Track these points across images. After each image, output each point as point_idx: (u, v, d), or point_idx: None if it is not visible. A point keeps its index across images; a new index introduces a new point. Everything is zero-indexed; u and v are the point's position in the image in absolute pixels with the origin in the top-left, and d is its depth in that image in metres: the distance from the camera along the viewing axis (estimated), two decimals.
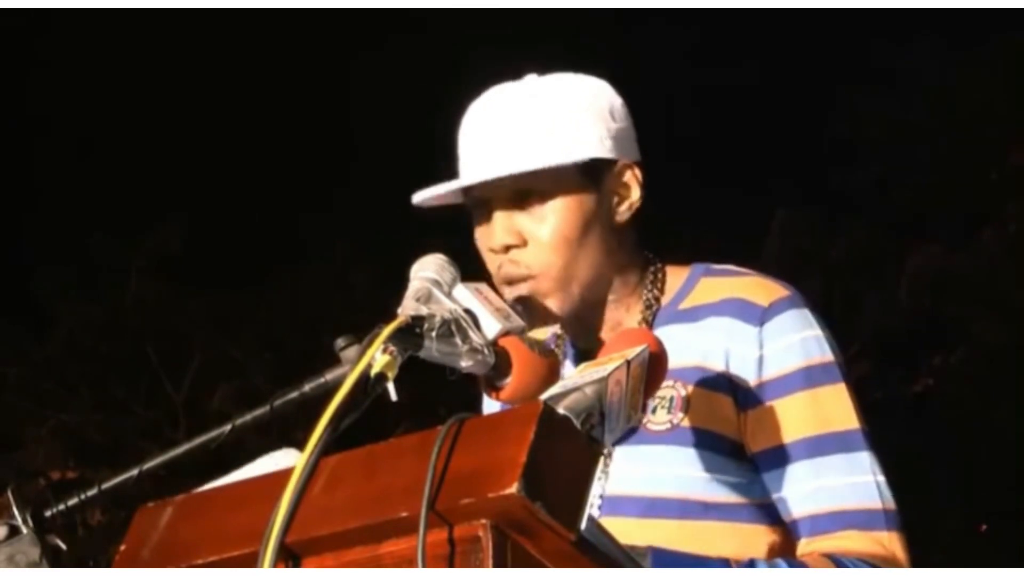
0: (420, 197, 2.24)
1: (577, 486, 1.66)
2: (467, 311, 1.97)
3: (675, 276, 2.32)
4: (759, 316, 2.21)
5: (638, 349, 1.87)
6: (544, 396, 1.73)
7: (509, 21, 13.38)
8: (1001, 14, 12.10)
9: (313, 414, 1.74)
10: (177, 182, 14.32)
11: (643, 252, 2.32)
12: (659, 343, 1.93)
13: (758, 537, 2.20)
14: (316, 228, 14.12)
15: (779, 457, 2.17)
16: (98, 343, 13.89)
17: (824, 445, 2.17)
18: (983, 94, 13.34)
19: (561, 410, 1.69)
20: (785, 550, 2.18)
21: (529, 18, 13.36)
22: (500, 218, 2.23)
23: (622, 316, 2.29)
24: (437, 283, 2.00)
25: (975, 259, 12.94)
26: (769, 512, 2.20)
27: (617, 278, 2.28)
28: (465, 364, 1.96)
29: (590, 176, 2.23)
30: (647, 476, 2.19)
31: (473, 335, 1.96)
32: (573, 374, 1.82)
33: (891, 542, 2.14)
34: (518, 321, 2.06)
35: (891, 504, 2.16)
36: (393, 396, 1.81)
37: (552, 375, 2.02)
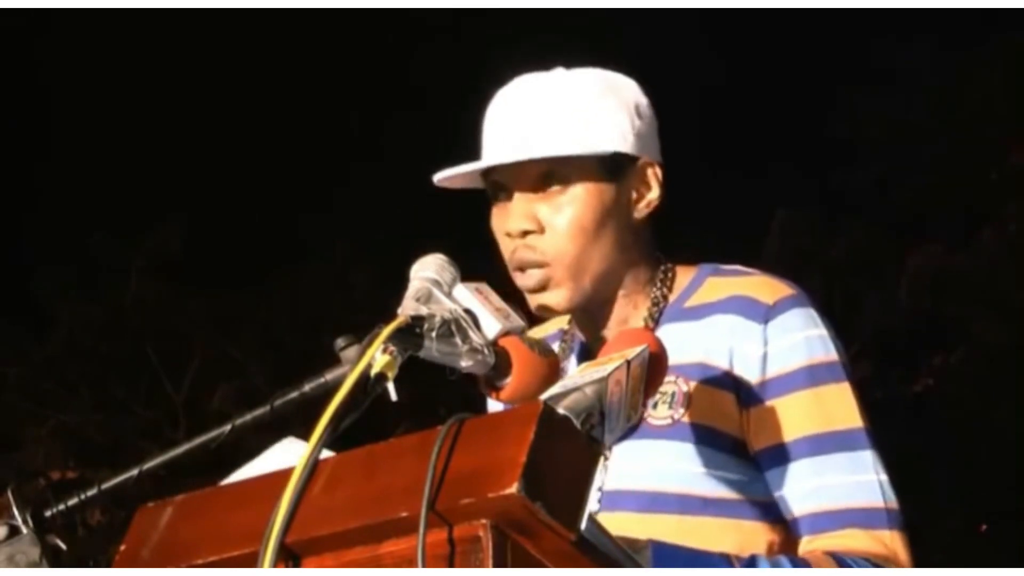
0: (442, 175, 2.25)
1: (577, 486, 1.66)
2: (467, 311, 1.97)
3: (683, 275, 2.33)
4: (764, 314, 2.21)
5: (638, 349, 1.87)
6: (544, 396, 1.73)
7: (509, 22, 13.38)
8: (1001, 14, 12.11)
9: (313, 414, 1.74)
10: (177, 182, 14.32)
11: (655, 251, 2.33)
12: (659, 343, 1.93)
13: (758, 534, 2.20)
14: (316, 228, 14.12)
15: (781, 455, 2.17)
16: (98, 343, 13.89)
17: (827, 443, 2.17)
18: (983, 94, 13.34)
19: (561, 410, 1.69)
20: (786, 547, 2.19)
21: (530, 19, 13.37)
22: (519, 203, 2.24)
23: (629, 313, 2.30)
24: (437, 283, 2.00)
25: (975, 259, 12.93)
26: (770, 509, 2.20)
27: (628, 274, 2.29)
28: (465, 364, 1.96)
29: (612, 170, 2.24)
30: (647, 471, 2.19)
31: (473, 335, 1.96)
32: (573, 374, 1.82)
33: (893, 541, 2.14)
34: (518, 321, 2.06)
35: (893, 503, 2.17)
36: (393, 396, 1.82)
37: (552, 375, 2.02)
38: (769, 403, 2.19)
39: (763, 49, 14.54)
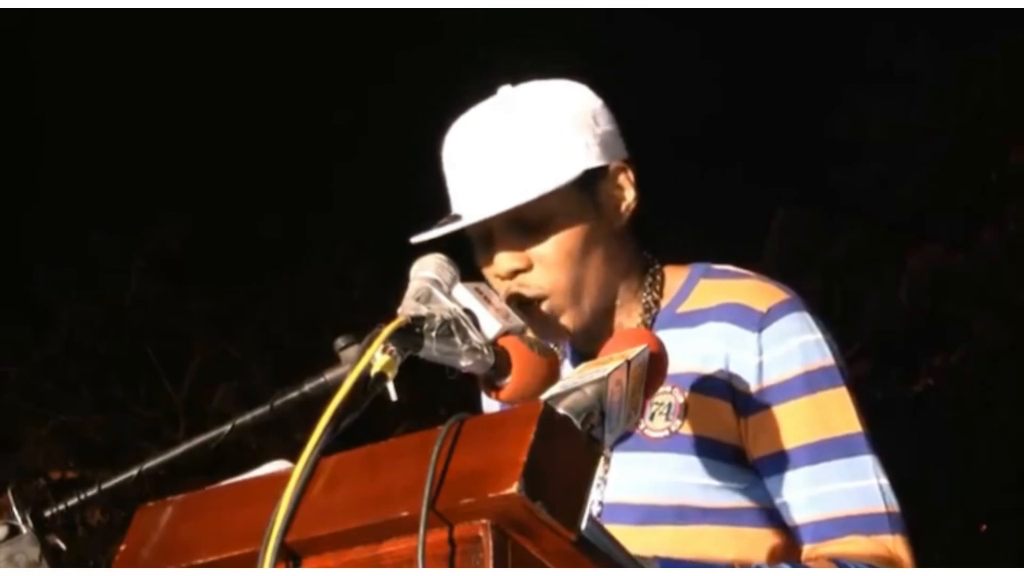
0: (418, 239, 2.20)
1: (577, 486, 1.66)
2: (467, 311, 1.97)
3: (674, 277, 2.31)
4: (758, 322, 2.20)
5: (638, 349, 1.87)
6: (544, 396, 1.73)
7: (510, 24, 13.37)
8: (1001, 14, 12.10)
9: (313, 414, 1.74)
10: (177, 182, 14.31)
11: (642, 253, 2.32)
12: (659, 343, 1.93)
13: (759, 541, 2.20)
14: (316, 228, 14.11)
15: (781, 463, 2.17)
16: (98, 343, 13.88)
17: (826, 450, 2.17)
18: (983, 94, 13.33)
19: (561, 410, 1.69)
20: (787, 554, 2.18)
21: (529, 19, 13.36)
22: (501, 245, 2.22)
23: (623, 320, 2.29)
24: (437, 283, 2.00)
25: (975, 259, 12.92)
26: (770, 516, 2.20)
27: (621, 283, 2.28)
28: (465, 364, 1.96)
29: (584, 187, 2.22)
30: (645, 483, 2.19)
31: (473, 335, 1.96)
32: (573, 374, 1.82)
33: (895, 545, 2.14)
34: (518, 321, 2.06)
35: (894, 507, 2.16)
36: (393, 396, 1.82)
37: (552, 375, 2.02)
38: (767, 411, 2.18)
39: (762, 49, 14.53)
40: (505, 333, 2.02)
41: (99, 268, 13.80)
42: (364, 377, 1.79)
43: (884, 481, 2.17)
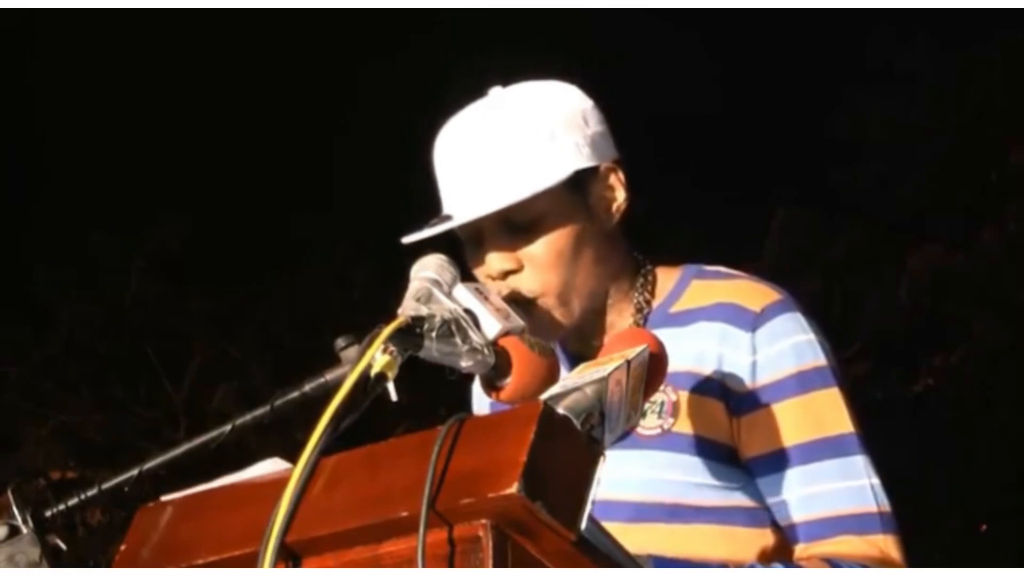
0: (410, 240, 2.21)
1: (577, 486, 1.66)
2: (467, 311, 1.98)
3: (666, 278, 2.32)
4: (751, 322, 2.21)
5: (638, 349, 1.87)
6: (544, 396, 1.74)
7: (510, 23, 13.37)
8: (1001, 13, 12.09)
9: (313, 414, 1.74)
10: (177, 182, 14.31)
11: (633, 254, 2.32)
12: (659, 343, 1.94)
13: (751, 540, 2.20)
14: (316, 228, 14.11)
15: (774, 463, 2.18)
16: (98, 343, 13.88)
17: (818, 450, 2.17)
18: (983, 94, 13.33)
19: (561, 410, 1.70)
20: (779, 553, 2.19)
21: (527, 19, 13.36)
22: (492, 245, 2.23)
23: (615, 320, 2.29)
24: (437, 283, 2.00)
25: (975, 259, 12.92)
26: (762, 516, 2.20)
27: (612, 284, 2.29)
28: (465, 364, 1.96)
29: (575, 188, 2.23)
30: (637, 481, 2.19)
31: (473, 335, 1.96)
32: (573, 374, 1.82)
33: (887, 544, 2.14)
34: (518, 321, 2.06)
35: (886, 506, 2.17)
36: (393, 396, 1.82)
37: (552, 375, 2.02)
38: (760, 411, 2.19)
39: (763, 49, 14.53)
40: (505, 333, 2.02)
41: (99, 268, 13.80)
42: (364, 377, 1.79)
43: (876, 481, 2.18)
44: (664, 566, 2.02)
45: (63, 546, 1.98)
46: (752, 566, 2.10)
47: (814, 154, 13.94)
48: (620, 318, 2.29)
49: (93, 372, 13.87)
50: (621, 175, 2.27)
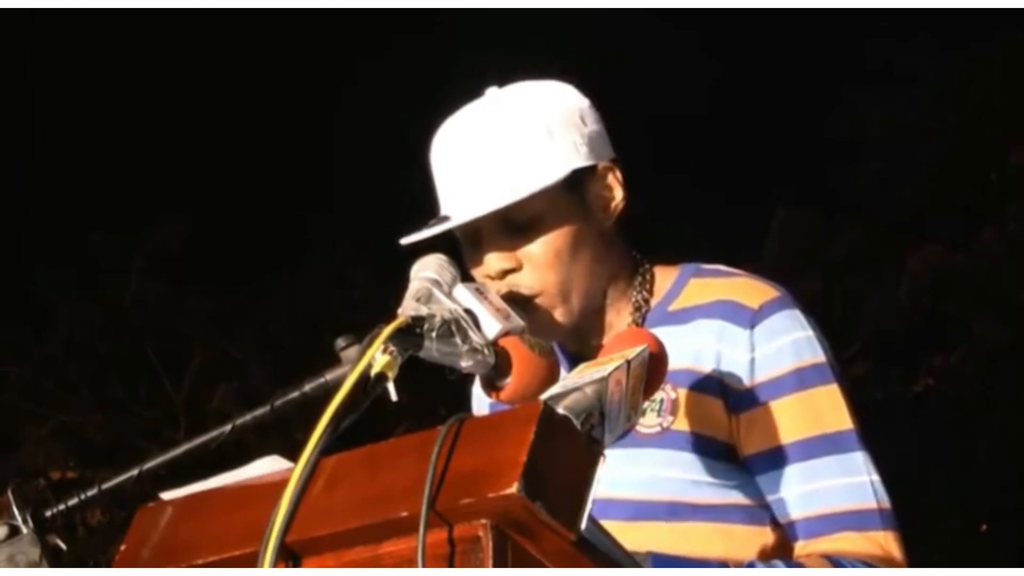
0: (408, 241, 2.21)
1: (577, 486, 1.66)
2: (467, 311, 1.98)
3: (664, 277, 2.32)
4: (749, 319, 2.21)
5: (638, 349, 1.87)
6: (544, 396, 1.74)
7: (507, 23, 13.37)
8: (1001, 14, 12.09)
9: (313, 414, 1.74)
10: (177, 182, 14.31)
11: (631, 253, 2.32)
12: (659, 343, 1.94)
13: (750, 538, 2.20)
14: (316, 228, 14.11)
15: (773, 460, 2.18)
16: (98, 343, 13.88)
17: (817, 447, 2.17)
18: (983, 94, 13.33)
19: (561, 410, 1.70)
20: (779, 551, 2.19)
21: (526, 19, 13.36)
22: (490, 245, 2.23)
23: (613, 319, 2.29)
24: (437, 283, 2.00)
25: (975, 259, 12.92)
26: (761, 513, 2.20)
27: (610, 283, 2.29)
28: (465, 364, 1.96)
29: (573, 187, 2.23)
30: (637, 479, 2.19)
31: (473, 335, 1.96)
32: (573, 374, 1.82)
33: (887, 541, 2.15)
34: (518, 321, 2.06)
35: (886, 503, 2.17)
36: (393, 396, 1.82)
37: (552, 375, 2.02)
38: (759, 408, 2.19)
39: (763, 49, 14.53)
40: (505, 333, 2.02)
41: (99, 268, 13.80)
42: (364, 377, 1.79)
43: (876, 477, 2.18)
44: (664, 564, 2.01)
45: (63, 546, 1.98)
46: (752, 564, 2.10)
47: (814, 154, 13.95)
48: (619, 317, 2.29)
49: (93, 372, 13.87)
50: (619, 174, 2.27)
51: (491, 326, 2.00)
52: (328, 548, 1.74)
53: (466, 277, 2.09)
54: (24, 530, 1.96)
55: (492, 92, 2.27)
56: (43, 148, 14.87)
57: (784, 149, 13.94)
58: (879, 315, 13.15)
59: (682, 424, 2.19)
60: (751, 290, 2.24)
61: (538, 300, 2.22)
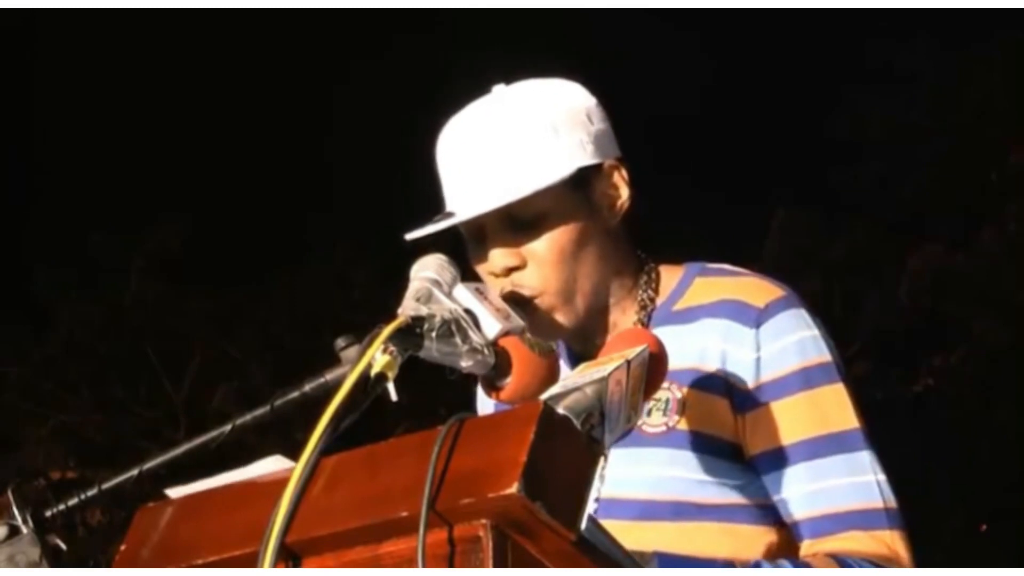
0: (413, 236, 2.21)
1: (577, 486, 1.66)
2: (467, 311, 1.97)
3: (669, 276, 2.31)
4: (755, 318, 2.20)
5: (638, 349, 1.86)
6: (544, 396, 1.73)
7: (508, 23, 13.38)
8: (1001, 14, 12.10)
9: (313, 414, 1.74)
10: (177, 182, 14.31)
11: (636, 252, 2.32)
12: (659, 343, 1.93)
13: (756, 538, 2.20)
14: (316, 228, 14.12)
15: (779, 459, 2.17)
16: (98, 343, 13.89)
17: (823, 446, 2.17)
18: (983, 94, 13.33)
19: (561, 410, 1.69)
20: (785, 551, 2.18)
21: (527, 19, 13.36)
22: (495, 242, 2.22)
23: (618, 318, 2.29)
24: (437, 283, 2.00)
25: (975, 259, 12.92)
26: (767, 513, 2.20)
27: (615, 282, 2.28)
28: (465, 364, 1.96)
29: (579, 185, 2.22)
30: (643, 479, 2.19)
31: (473, 335, 1.96)
32: (573, 374, 1.82)
33: (894, 540, 2.14)
34: (518, 321, 2.06)
35: (892, 502, 2.17)
36: (393, 396, 1.82)
37: (552, 375, 2.02)
38: (764, 407, 2.18)
39: (761, 49, 14.53)
40: (505, 333, 2.02)
41: (99, 268, 13.81)
42: (364, 377, 1.79)
43: (882, 477, 2.17)
44: (670, 564, 2.01)
45: (63, 546, 1.98)
46: (758, 564, 2.09)
47: (814, 154, 13.95)
48: (624, 316, 2.28)
49: (93, 372, 13.88)
50: (624, 173, 2.27)
51: (491, 326, 2.00)
52: (328, 548, 1.74)
53: (467, 277, 2.09)
54: (24, 530, 1.96)
55: (499, 89, 2.27)
56: (43, 148, 14.87)
57: (784, 149, 13.95)
58: (879, 315, 13.16)
59: (687, 424, 2.19)
60: (757, 289, 2.24)
61: (539, 300, 2.21)
